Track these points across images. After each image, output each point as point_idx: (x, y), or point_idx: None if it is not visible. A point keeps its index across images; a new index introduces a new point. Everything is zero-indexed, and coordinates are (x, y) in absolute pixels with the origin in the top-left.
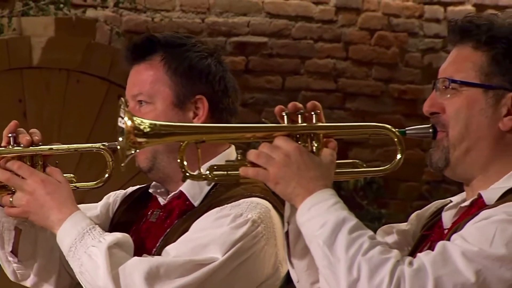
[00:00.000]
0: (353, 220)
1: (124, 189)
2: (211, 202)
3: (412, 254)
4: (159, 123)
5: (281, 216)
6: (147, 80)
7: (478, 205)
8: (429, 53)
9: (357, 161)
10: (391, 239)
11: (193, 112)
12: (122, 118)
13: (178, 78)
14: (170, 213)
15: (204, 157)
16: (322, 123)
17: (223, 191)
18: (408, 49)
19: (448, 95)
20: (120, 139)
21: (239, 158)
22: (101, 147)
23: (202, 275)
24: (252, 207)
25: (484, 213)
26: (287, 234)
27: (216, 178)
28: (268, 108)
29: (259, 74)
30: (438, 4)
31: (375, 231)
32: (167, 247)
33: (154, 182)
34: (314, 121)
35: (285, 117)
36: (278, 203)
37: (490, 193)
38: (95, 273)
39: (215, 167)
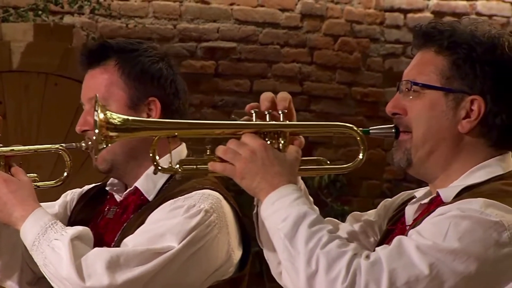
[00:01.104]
0: (313, 215)
1: None
2: (164, 195)
3: None
4: (131, 118)
5: (232, 206)
6: (102, 83)
7: (436, 202)
8: (390, 58)
9: (321, 158)
10: (359, 226)
11: (146, 113)
12: (96, 111)
13: (132, 82)
14: (126, 209)
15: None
16: (292, 119)
17: (175, 185)
18: (370, 54)
19: (411, 97)
20: (96, 131)
21: (208, 153)
22: (60, 147)
23: (160, 262)
24: (204, 198)
25: (440, 209)
26: (256, 215)
27: (185, 172)
28: (237, 110)
29: (228, 78)
30: (398, 11)
31: None
32: (125, 239)
33: (111, 180)
34: (281, 119)
35: (254, 114)
36: (228, 194)
37: (447, 192)
38: (59, 264)
39: (185, 161)
